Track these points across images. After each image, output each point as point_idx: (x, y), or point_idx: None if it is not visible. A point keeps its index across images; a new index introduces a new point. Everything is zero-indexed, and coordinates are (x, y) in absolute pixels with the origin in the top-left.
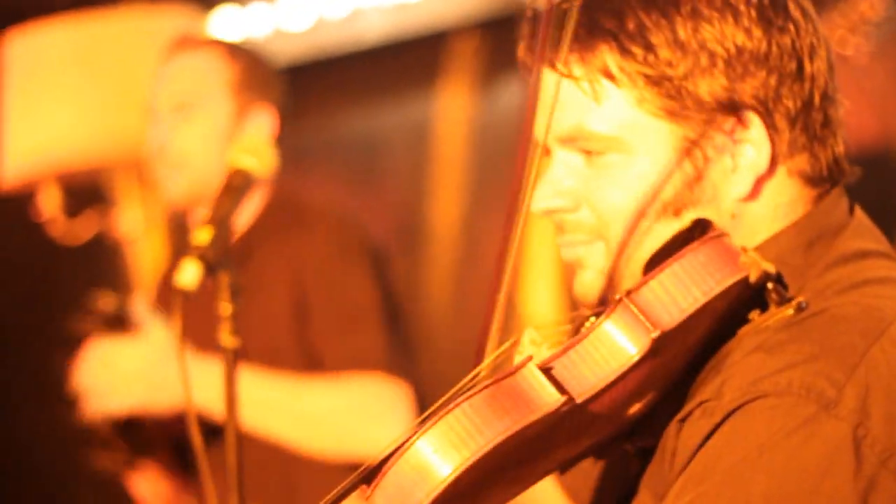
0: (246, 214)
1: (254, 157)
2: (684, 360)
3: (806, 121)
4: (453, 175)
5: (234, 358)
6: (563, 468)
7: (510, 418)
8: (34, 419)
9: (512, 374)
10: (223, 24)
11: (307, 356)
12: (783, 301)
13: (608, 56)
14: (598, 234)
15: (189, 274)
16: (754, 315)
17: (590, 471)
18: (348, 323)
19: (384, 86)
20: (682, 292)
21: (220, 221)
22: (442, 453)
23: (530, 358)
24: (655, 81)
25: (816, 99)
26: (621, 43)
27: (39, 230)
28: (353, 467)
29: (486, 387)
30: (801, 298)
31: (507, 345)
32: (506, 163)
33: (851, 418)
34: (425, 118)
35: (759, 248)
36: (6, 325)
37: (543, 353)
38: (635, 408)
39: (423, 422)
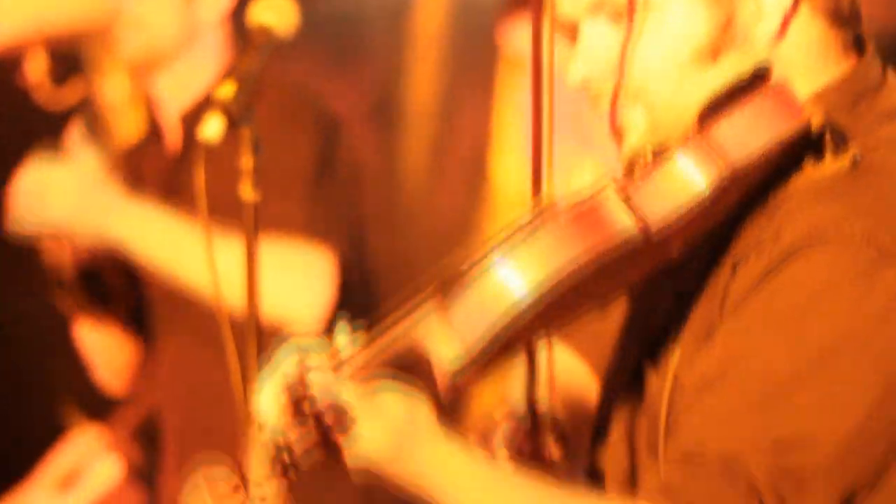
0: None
1: (274, 14)
2: (738, 203)
3: None
4: (432, 49)
5: (255, 212)
6: (602, 305)
7: (590, 241)
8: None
9: (593, 198)
10: None
11: None
12: (839, 150)
13: None
14: (636, 97)
15: (212, 127)
16: (808, 164)
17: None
18: (273, 187)
19: None
20: (752, 133)
21: (243, 77)
22: (523, 274)
23: (608, 184)
24: None
25: None
26: None
27: (25, 95)
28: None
29: (568, 210)
30: (855, 151)
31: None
32: (485, 38)
33: None
34: None
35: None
36: None
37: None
38: (679, 245)
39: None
